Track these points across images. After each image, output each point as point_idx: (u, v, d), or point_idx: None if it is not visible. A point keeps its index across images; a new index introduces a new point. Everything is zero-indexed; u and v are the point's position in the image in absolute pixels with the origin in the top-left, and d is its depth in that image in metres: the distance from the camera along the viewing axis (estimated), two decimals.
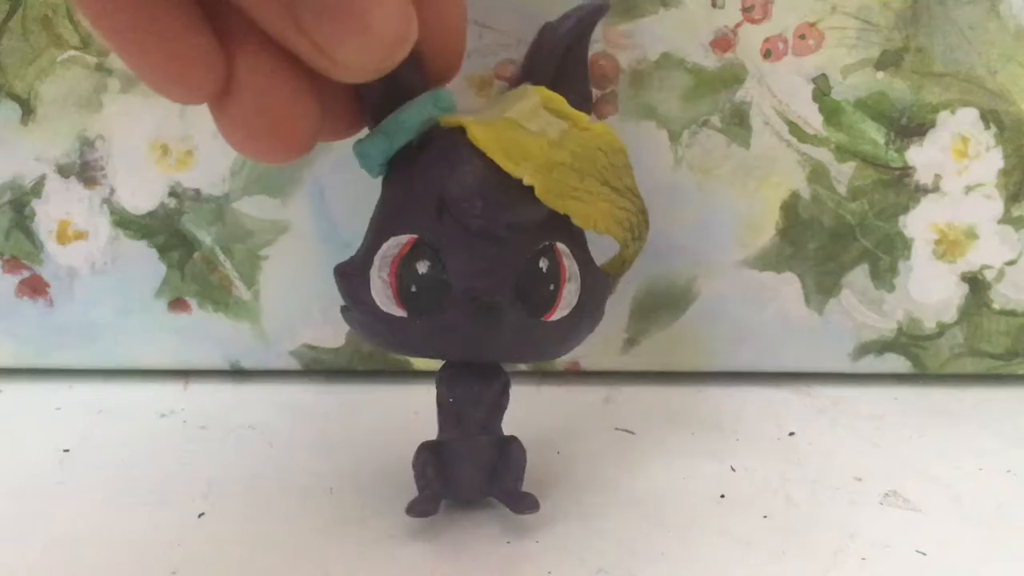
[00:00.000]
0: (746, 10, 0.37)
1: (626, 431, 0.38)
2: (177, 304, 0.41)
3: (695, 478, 0.35)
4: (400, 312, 0.29)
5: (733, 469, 0.36)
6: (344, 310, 0.31)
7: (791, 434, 0.38)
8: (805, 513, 0.33)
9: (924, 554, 0.31)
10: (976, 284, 0.41)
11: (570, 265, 0.30)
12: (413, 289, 0.29)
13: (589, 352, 0.41)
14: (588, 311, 0.31)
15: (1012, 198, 0.39)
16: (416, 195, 0.29)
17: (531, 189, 0.28)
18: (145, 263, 0.40)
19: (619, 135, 0.37)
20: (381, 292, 0.29)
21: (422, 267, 0.28)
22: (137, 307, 0.41)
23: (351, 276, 0.30)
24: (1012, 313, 0.41)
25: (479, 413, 0.31)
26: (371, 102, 0.29)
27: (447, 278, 0.28)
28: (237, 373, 0.42)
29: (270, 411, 0.39)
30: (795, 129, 0.39)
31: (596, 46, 0.38)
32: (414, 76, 0.29)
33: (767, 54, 0.38)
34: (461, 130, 0.29)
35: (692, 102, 0.38)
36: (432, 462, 0.31)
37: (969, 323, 0.41)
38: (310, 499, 0.33)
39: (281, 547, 0.31)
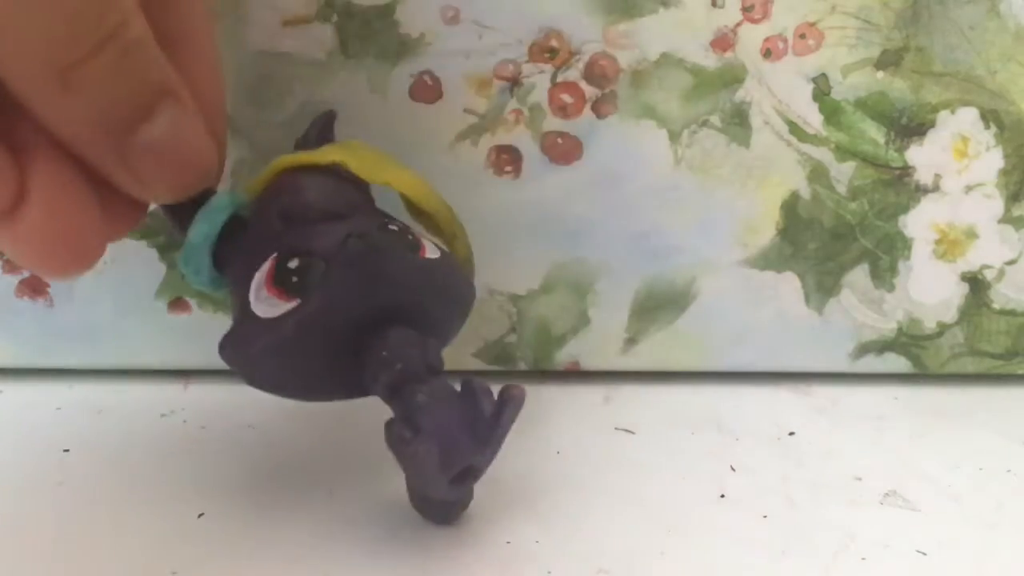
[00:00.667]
0: (746, 10, 0.37)
1: (626, 431, 0.38)
2: (177, 304, 0.41)
3: (695, 478, 0.35)
4: (292, 303, 0.29)
5: (733, 469, 0.36)
6: (248, 373, 0.31)
7: (791, 434, 0.38)
8: (805, 513, 0.33)
9: (924, 554, 0.31)
10: (976, 284, 0.41)
11: (421, 239, 0.31)
12: (294, 280, 0.29)
13: (589, 351, 0.41)
14: (455, 266, 0.32)
15: (1012, 198, 0.39)
16: (255, 239, 0.30)
17: (346, 176, 0.31)
18: (145, 263, 0.40)
19: (619, 135, 0.38)
20: (269, 307, 0.29)
21: (292, 262, 0.29)
22: (137, 307, 0.41)
23: (233, 338, 0.30)
24: (1012, 313, 0.41)
25: (415, 354, 0.30)
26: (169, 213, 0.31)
27: (316, 255, 0.29)
28: (237, 373, 0.42)
29: (270, 411, 0.39)
30: (795, 129, 0.39)
31: (596, 45, 0.38)
32: None
33: (767, 54, 0.38)
34: (269, 177, 0.32)
35: (692, 102, 0.38)
36: (407, 436, 0.30)
37: (969, 323, 0.41)
38: (310, 499, 0.33)
39: (281, 547, 0.31)
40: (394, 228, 0.30)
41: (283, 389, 0.31)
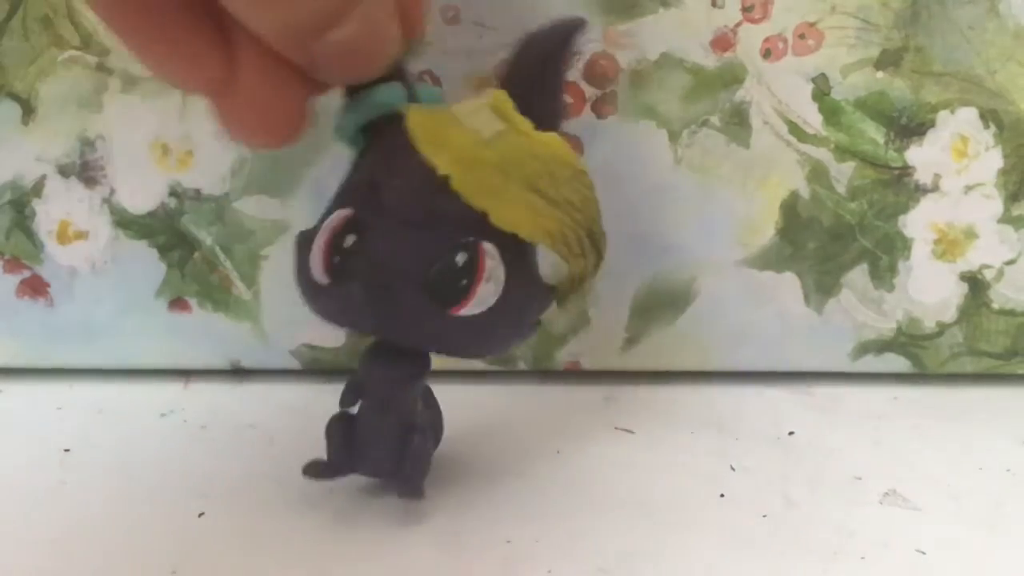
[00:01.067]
0: (746, 10, 0.37)
1: (626, 431, 0.38)
2: (177, 304, 0.41)
3: (695, 478, 0.35)
4: (324, 280, 0.29)
5: (733, 468, 0.36)
6: (295, 275, 0.31)
7: (791, 433, 0.38)
8: (805, 512, 0.33)
9: (923, 553, 0.31)
10: (975, 284, 0.41)
11: (493, 267, 0.29)
12: (336, 260, 0.29)
13: (589, 351, 0.42)
14: (507, 317, 0.30)
15: (1011, 197, 0.39)
16: (361, 174, 0.30)
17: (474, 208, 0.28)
18: (145, 263, 0.40)
19: (619, 135, 0.38)
20: (315, 258, 0.29)
21: (348, 240, 0.29)
22: (137, 307, 0.41)
23: (302, 244, 0.31)
24: (1011, 312, 0.41)
25: (380, 391, 0.31)
26: None
27: (366, 253, 0.29)
28: (237, 372, 0.42)
29: (270, 411, 0.39)
30: (795, 129, 0.39)
31: (596, 45, 0.38)
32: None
33: (767, 54, 0.38)
34: (424, 124, 0.29)
35: (692, 102, 0.38)
36: (340, 432, 0.32)
37: (968, 322, 0.41)
38: (310, 499, 0.33)
39: (281, 547, 0.31)
40: (458, 261, 0.29)
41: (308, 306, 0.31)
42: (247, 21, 0.25)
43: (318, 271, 0.29)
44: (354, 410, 0.33)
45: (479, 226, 0.29)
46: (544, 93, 0.32)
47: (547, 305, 0.32)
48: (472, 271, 0.29)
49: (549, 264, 0.31)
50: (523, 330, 0.32)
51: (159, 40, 0.27)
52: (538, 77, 0.32)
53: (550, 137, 0.30)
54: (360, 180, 0.30)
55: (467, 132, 0.29)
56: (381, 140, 0.30)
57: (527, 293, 0.31)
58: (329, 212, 0.30)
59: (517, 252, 0.30)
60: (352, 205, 0.30)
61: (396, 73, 0.29)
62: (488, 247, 0.29)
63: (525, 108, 0.30)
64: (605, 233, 0.32)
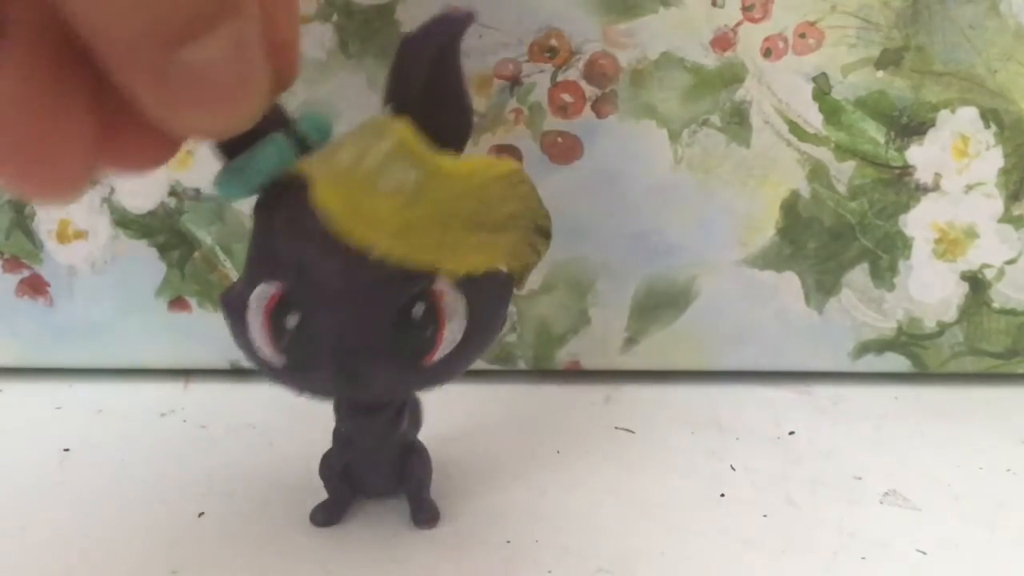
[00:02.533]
0: (746, 9, 0.37)
1: (626, 430, 0.38)
2: (177, 303, 0.41)
3: (695, 477, 0.35)
4: (278, 360, 0.28)
5: (733, 468, 0.36)
6: (231, 331, 0.30)
7: (791, 433, 0.38)
8: (805, 512, 0.33)
9: (924, 553, 0.31)
10: (976, 283, 0.41)
11: (452, 302, 0.28)
12: (285, 342, 0.27)
13: (589, 351, 0.41)
14: (479, 335, 0.29)
15: (1012, 197, 0.39)
16: (277, 247, 0.27)
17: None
18: (145, 262, 0.40)
19: (619, 134, 0.38)
20: (259, 339, 0.28)
21: (291, 321, 0.27)
22: (137, 306, 0.41)
23: (231, 312, 0.29)
24: (1012, 312, 0.41)
25: (369, 441, 0.31)
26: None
27: (314, 333, 0.27)
28: (237, 372, 0.42)
29: (270, 410, 0.39)
30: (795, 128, 0.39)
31: (595, 45, 0.38)
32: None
33: (767, 53, 0.38)
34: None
35: (692, 101, 0.38)
36: (336, 471, 0.32)
37: (969, 322, 0.41)
38: (310, 499, 0.33)
39: (281, 547, 0.31)
40: (416, 316, 0.27)
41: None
42: (85, 16, 0.19)
43: (268, 352, 0.28)
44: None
45: (419, 273, 0.27)
46: (443, 96, 0.28)
47: (510, 296, 0.30)
48: (433, 317, 0.28)
49: None
50: (493, 335, 0.31)
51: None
52: (430, 80, 0.27)
53: (470, 166, 0.27)
54: (279, 253, 0.27)
55: (387, 197, 0.25)
56: (286, 205, 0.27)
57: (491, 304, 0.29)
58: (252, 279, 0.28)
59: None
60: (280, 279, 0.27)
61: (274, 117, 0.27)
62: (441, 286, 0.28)
63: (423, 122, 0.26)
64: (548, 213, 0.30)
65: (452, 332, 0.28)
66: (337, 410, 0.31)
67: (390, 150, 0.26)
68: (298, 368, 0.28)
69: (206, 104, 0.21)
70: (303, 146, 0.27)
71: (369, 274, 0.26)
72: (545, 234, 0.30)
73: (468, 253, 0.27)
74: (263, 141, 0.26)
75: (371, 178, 0.25)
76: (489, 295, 0.29)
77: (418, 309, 0.27)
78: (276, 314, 0.27)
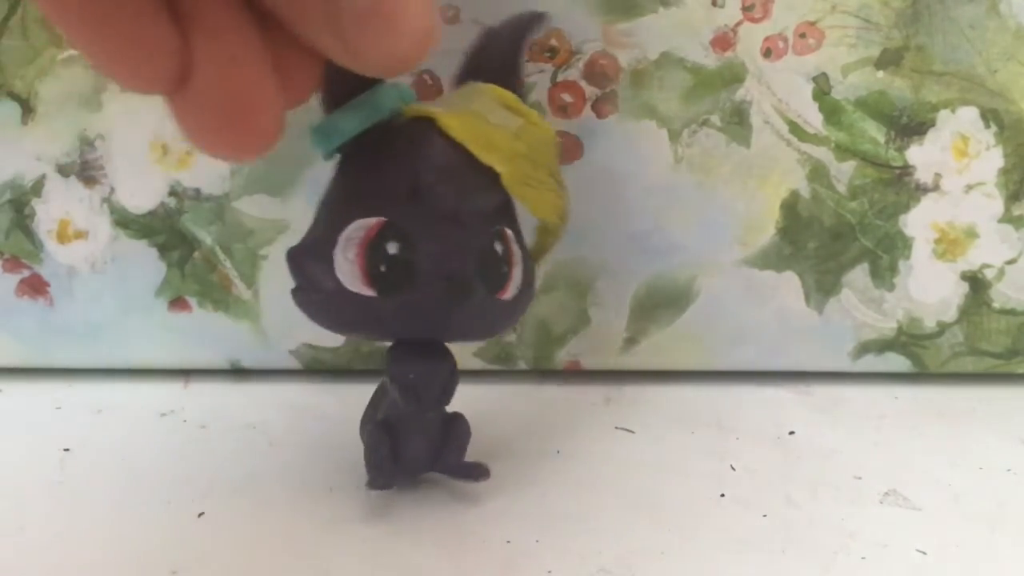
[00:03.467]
0: (746, 9, 0.37)
1: (626, 430, 0.38)
2: (177, 303, 0.41)
3: (695, 477, 0.35)
4: (369, 291, 0.29)
5: (733, 468, 0.36)
6: (297, 292, 0.31)
7: (791, 433, 0.38)
8: (805, 512, 0.33)
9: (924, 553, 0.31)
10: (976, 283, 0.41)
11: (517, 250, 0.31)
12: (382, 269, 0.29)
13: (589, 351, 0.42)
14: (527, 292, 0.32)
15: (1012, 197, 0.39)
16: (384, 179, 0.30)
17: (490, 177, 0.30)
18: (145, 262, 0.40)
19: (619, 134, 0.38)
20: (348, 272, 0.29)
21: (392, 248, 0.29)
22: (137, 306, 0.41)
23: (308, 258, 0.30)
24: (1012, 312, 0.41)
25: (435, 390, 0.32)
26: (333, 82, 0.30)
27: (415, 259, 0.29)
28: (237, 372, 0.42)
29: (270, 410, 0.39)
30: (795, 128, 0.39)
31: (596, 45, 0.38)
32: None
33: (767, 53, 0.38)
34: (429, 120, 0.30)
35: (692, 101, 0.38)
36: (385, 440, 0.32)
37: (969, 322, 0.41)
38: (310, 499, 0.33)
39: (281, 547, 0.31)
40: (498, 250, 0.31)
41: (318, 321, 0.32)
42: None
43: (357, 284, 0.29)
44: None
45: (499, 214, 0.31)
46: (510, 83, 0.32)
47: (536, 270, 0.33)
48: (507, 256, 0.31)
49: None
50: (529, 301, 0.33)
51: (103, 28, 0.23)
52: (501, 70, 0.33)
53: (545, 123, 0.32)
54: (386, 187, 0.30)
55: (501, 130, 0.30)
56: (400, 142, 0.30)
57: (531, 268, 0.32)
58: (338, 222, 0.30)
59: (518, 231, 0.32)
60: (382, 213, 0.29)
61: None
62: (509, 232, 0.31)
63: None
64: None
65: (517, 276, 0.31)
66: (399, 361, 0.32)
67: (493, 100, 0.31)
68: (395, 291, 0.29)
69: (383, 41, 0.23)
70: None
71: (477, 201, 0.30)
72: (568, 209, 0.33)
73: (546, 196, 0.31)
74: (381, 86, 0.30)
75: (485, 115, 0.31)
76: (529, 259, 0.32)
77: (499, 246, 0.31)
78: (373, 244, 0.29)
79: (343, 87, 0.30)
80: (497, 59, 0.33)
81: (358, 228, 0.29)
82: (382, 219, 0.29)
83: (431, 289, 0.29)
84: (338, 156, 0.31)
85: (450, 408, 0.33)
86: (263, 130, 0.25)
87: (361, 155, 0.31)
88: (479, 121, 0.30)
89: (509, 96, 0.31)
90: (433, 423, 0.32)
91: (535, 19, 0.34)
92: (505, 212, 0.31)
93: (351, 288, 0.29)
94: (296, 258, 0.31)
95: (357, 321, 0.31)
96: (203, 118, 0.24)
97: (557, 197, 0.32)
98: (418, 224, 0.29)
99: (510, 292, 0.31)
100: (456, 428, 0.33)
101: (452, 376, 0.32)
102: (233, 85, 0.24)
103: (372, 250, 0.29)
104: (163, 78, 0.23)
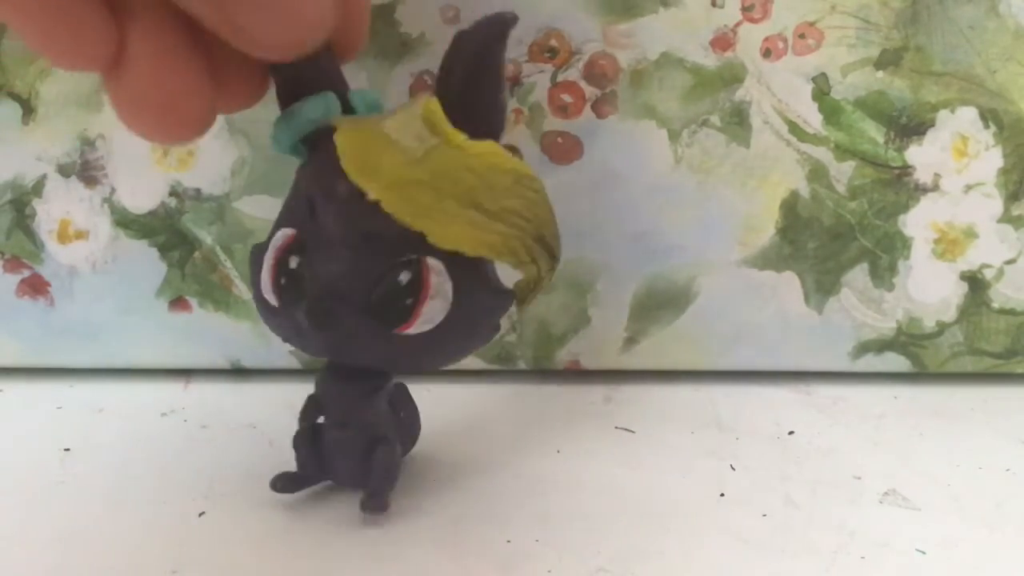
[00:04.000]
0: (746, 9, 0.37)
1: (626, 430, 0.38)
2: (178, 303, 0.41)
3: (695, 477, 0.35)
4: (274, 301, 0.30)
5: (733, 468, 0.36)
6: (252, 289, 0.32)
7: (791, 433, 0.38)
8: (805, 512, 0.33)
9: (924, 553, 0.31)
10: (976, 283, 0.41)
11: (439, 283, 0.29)
12: (283, 281, 0.30)
13: (589, 351, 0.42)
14: (458, 330, 0.30)
15: (1012, 197, 0.40)
16: (299, 191, 0.30)
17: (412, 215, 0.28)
18: (146, 262, 0.40)
19: (619, 135, 0.38)
20: (264, 279, 0.30)
21: (292, 262, 0.29)
22: (138, 306, 0.41)
23: (252, 259, 0.31)
24: (1012, 312, 0.41)
25: (338, 409, 0.32)
26: (284, 81, 0.30)
27: (307, 276, 0.29)
28: (238, 372, 0.42)
29: (271, 410, 0.39)
30: (795, 128, 0.39)
31: (595, 45, 0.38)
32: (331, 62, 0.30)
33: (767, 53, 0.38)
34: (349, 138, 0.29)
35: (692, 101, 0.38)
36: (306, 443, 0.33)
37: (969, 322, 0.41)
38: (310, 499, 0.33)
39: (281, 547, 0.31)
40: (401, 280, 0.29)
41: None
42: None
43: (268, 292, 0.30)
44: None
45: (423, 243, 0.28)
46: (482, 89, 0.30)
47: (505, 310, 0.32)
48: (416, 289, 0.29)
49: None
50: (478, 339, 0.32)
51: (38, 8, 0.24)
52: (472, 74, 0.30)
53: (485, 147, 0.29)
54: (296, 197, 0.30)
55: (397, 152, 0.28)
56: (315, 156, 0.30)
57: (479, 303, 0.30)
58: (276, 228, 0.30)
59: (467, 264, 0.29)
60: (294, 225, 0.30)
61: (330, 80, 0.30)
62: (433, 263, 0.29)
63: (462, 113, 0.29)
64: (558, 234, 0.32)
65: (431, 311, 0.29)
66: (318, 374, 0.32)
67: (413, 114, 0.29)
68: (286, 306, 0.30)
69: (273, 27, 0.25)
70: (349, 110, 0.30)
71: (368, 225, 0.28)
72: (547, 247, 0.31)
73: (458, 227, 0.28)
74: (315, 97, 0.29)
75: (390, 130, 0.28)
76: (481, 296, 0.30)
77: (405, 275, 0.29)
78: (283, 256, 0.30)
79: (285, 91, 0.30)
80: (469, 62, 0.30)
81: (280, 237, 0.30)
82: (293, 231, 0.30)
83: (303, 310, 0.28)
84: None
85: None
86: (190, 118, 0.26)
87: (303, 162, 0.31)
88: (375, 141, 0.28)
89: (434, 112, 0.29)
90: (352, 441, 0.32)
91: (506, 21, 0.30)
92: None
93: (264, 294, 0.30)
94: (251, 257, 0.31)
95: (275, 329, 0.31)
96: (135, 101, 0.26)
97: (479, 231, 0.29)
98: (314, 242, 0.29)
99: (414, 327, 0.29)
100: (377, 451, 0.32)
101: (369, 397, 0.32)
102: (164, 73, 0.25)
103: (281, 261, 0.30)
104: (98, 56, 0.25)
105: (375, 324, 0.29)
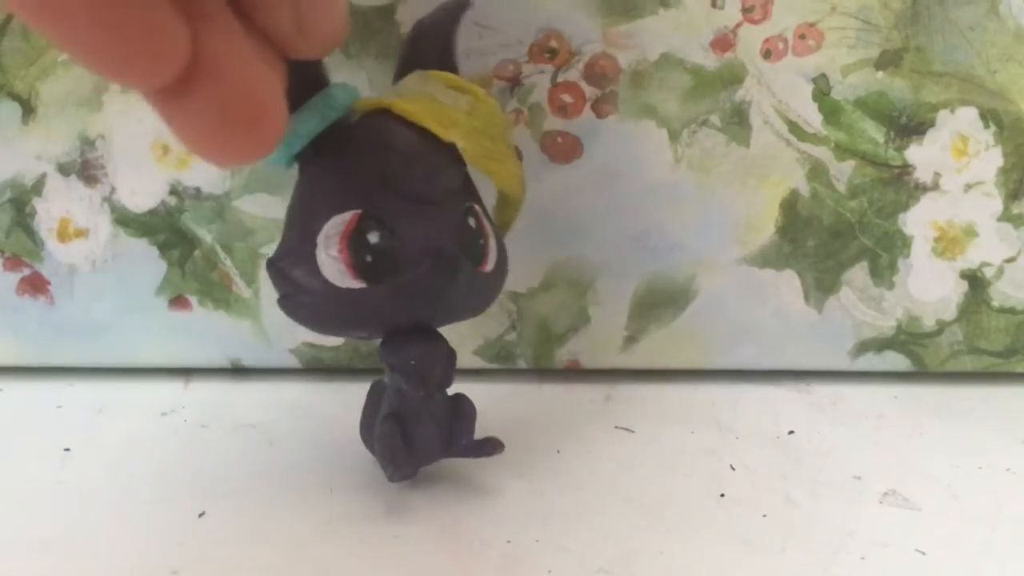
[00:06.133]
0: (746, 10, 0.37)
1: (626, 429, 0.38)
2: (178, 302, 0.41)
3: (695, 477, 0.35)
4: (358, 283, 0.30)
5: (733, 468, 0.36)
6: (284, 300, 0.31)
7: (791, 432, 0.38)
8: (805, 512, 0.33)
9: (923, 553, 0.31)
10: (975, 282, 0.41)
11: (487, 223, 0.32)
12: (368, 259, 0.30)
13: (589, 350, 0.42)
14: (503, 265, 0.33)
15: (1011, 196, 0.40)
16: (352, 173, 0.31)
17: (451, 155, 0.31)
18: (146, 261, 0.40)
19: (619, 135, 0.38)
20: (334, 269, 0.30)
21: (373, 237, 0.30)
22: (138, 305, 0.41)
23: (290, 264, 0.31)
24: (1011, 311, 0.41)
25: (437, 371, 0.32)
26: (298, 81, 0.29)
27: (397, 244, 0.30)
28: (238, 371, 0.42)
29: (271, 409, 0.40)
30: (795, 128, 0.39)
31: (595, 46, 0.38)
32: (318, 64, 0.31)
33: (767, 54, 0.38)
34: (384, 110, 0.31)
35: (692, 102, 0.38)
36: (397, 431, 0.32)
37: (968, 321, 0.41)
38: (310, 498, 0.33)
39: (281, 547, 0.31)
40: (472, 224, 0.31)
41: (311, 326, 0.32)
42: None
43: (345, 279, 0.30)
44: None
45: (467, 191, 0.32)
46: (448, 67, 0.33)
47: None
48: (481, 230, 0.32)
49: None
50: (506, 276, 0.33)
51: (101, 20, 0.20)
52: (437, 60, 0.33)
53: (493, 97, 0.33)
54: (346, 180, 0.31)
55: (454, 110, 0.31)
56: (359, 136, 0.31)
57: (500, 241, 0.33)
58: (313, 223, 0.30)
59: (484, 207, 0.33)
60: (356, 206, 0.30)
61: (325, 75, 0.31)
62: (478, 208, 0.32)
63: None
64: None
65: (492, 249, 0.32)
66: (397, 350, 0.32)
67: (439, 83, 0.32)
68: (384, 278, 0.30)
69: (326, 20, 0.26)
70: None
71: (447, 180, 0.31)
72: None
73: (507, 167, 0.32)
74: (332, 87, 0.31)
75: (437, 97, 0.31)
76: (499, 236, 0.33)
77: (472, 220, 0.31)
78: (354, 237, 0.30)
79: (295, 92, 0.29)
80: (431, 49, 0.33)
81: (336, 224, 0.30)
82: (358, 211, 0.30)
83: (419, 270, 0.29)
84: (296, 165, 0.32)
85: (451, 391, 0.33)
86: (272, 130, 0.24)
87: (322, 157, 0.31)
88: (432, 103, 0.31)
89: (453, 77, 0.32)
90: (440, 406, 0.33)
91: (459, 6, 0.34)
92: (470, 188, 0.32)
93: (340, 284, 0.30)
94: (278, 265, 0.31)
95: (351, 317, 0.31)
96: (211, 118, 0.23)
97: (516, 167, 0.33)
98: (393, 210, 0.30)
99: (489, 264, 0.32)
100: (461, 407, 0.33)
101: (451, 356, 0.32)
102: (245, 83, 0.23)
103: (354, 242, 0.30)
104: (163, 69, 0.22)
105: (472, 266, 0.31)
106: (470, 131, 0.31)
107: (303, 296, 0.31)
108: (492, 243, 0.32)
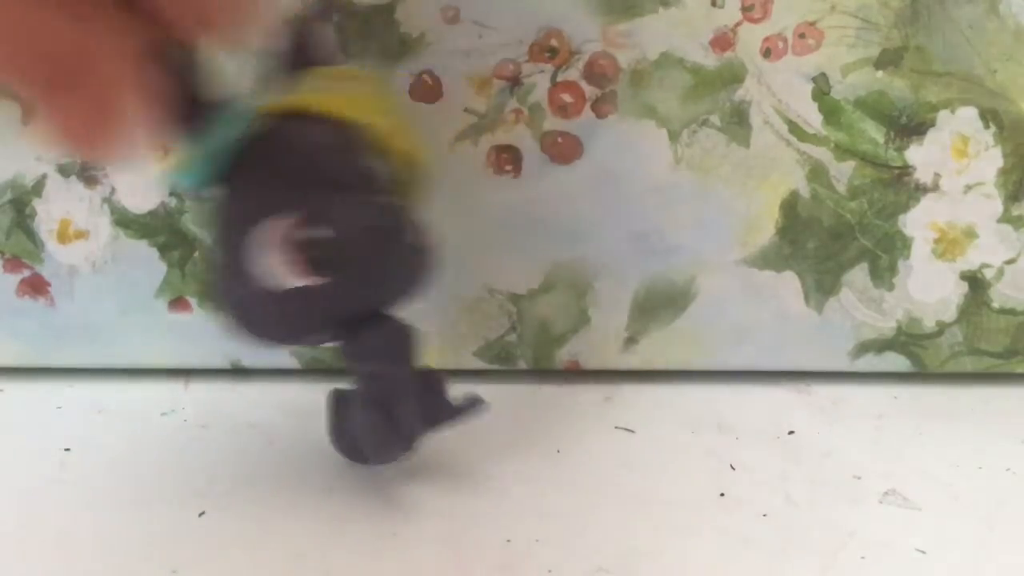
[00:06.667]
0: (746, 9, 0.37)
1: (626, 430, 0.38)
2: (178, 303, 0.41)
3: (695, 476, 0.35)
4: (309, 280, 0.29)
5: (733, 468, 0.36)
6: (240, 322, 0.31)
7: (791, 433, 0.38)
8: (805, 512, 0.33)
9: (923, 552, 0.31)
10: (975, 283, 0.41)
11: (403, 197, 0.32)
12: (316, 254, 0.29)
13: (589, 351, 0.42)
14: (427, 233, 0.32)
15: (1011, 197, 0.39)
16: (276, 177, 0.30)
17: (363, 138, 0.31)
18: (146, 262, 0.40)
19: (619, 134, 0.38)
20: (281, 272, 0.29)
21: (313, 231, 0.29)
22: (138, 306, 0.41)
23: (232, 291, 0.30)
24: (1011, 312, 0.41)
25: (408, 346, 0.32)
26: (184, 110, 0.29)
27: (339, 232, 0.29)
28: (238, 372, 0.42)
29: (271, 410, 0.39)
30: (794, 128, 0.39)
31: (595, 45, 0.38)
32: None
33: (767, 53, 0.38)
34: (293, 112, 0.31)
35: (692, 101, 0.38)
36: (382, 416, 0.32)
37: (968, 322, 0.41)
38: (310, 499, 0.33)
39: (281, 547, 0.31)
40: (395, 200, 0.31)
41: (270, 337, 0.31)
42: None
43: (295, 278, 0.29)
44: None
45: (382, 169, 0.32)
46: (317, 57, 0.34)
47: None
48: (403, 204, 0.32)
49: None
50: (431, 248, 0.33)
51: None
52: (318, 59, 0.34)
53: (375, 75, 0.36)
54: (275, 185, 0.30)
55: (360, 96, 0.33)
56: (273, 144, 0.30)
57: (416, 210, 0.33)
58: (241, 242, 0.29)
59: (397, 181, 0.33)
60: (289, 207, 0.29)
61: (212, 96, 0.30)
62: (395, 182, 0.32)
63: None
64: None
65: (415, 219, 0.32)
66: (363, 338, 0.31)
67: (335, 77, 0.33)
68: (334, 266, 0.29)
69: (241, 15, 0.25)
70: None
71: (364, 165, 0.31)
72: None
73: (411, 135, 0.33)
74: (229, 103, 0.30)
75: (338, 88, 0.32)
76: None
77: (394, 195, 0.32)
78: (297, 237, 0.29)
79: (191, 113, 0.29)
80: (309, 50, 0.34)
81: (273, 230, 0.29)
82: (296, 210, 0.29)
83: (364, 251, 0.30)
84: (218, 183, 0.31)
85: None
86: (127, 138, 0.24)
87: (236, 173, 0.30)
88: (340, 95, 0.32)
89: (344, 71, 0.34)
90: (414, 381, 0.32)
91: (323, 9, 0.36)
92: (383, 167, 0.32)
93: (291, 286, 0.29)
94: (225, 299, 0.31)
95: (308, 316, 0.30)
96: (88, 115, 0.23)
97: (413, 133, 0.34)
98: (327, 201, 0.30)
99: (420, 234, 0.31)
100: (431, 378, 0.33)
101: (412, 328, 0.32)
102: (110, 88, 0.23)
103: (297, 242, 0.29)
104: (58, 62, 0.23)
105: (408, 239, 0.31)
106: (378, 111, 0.32)
107: (256, 310, 0.30)
108: (413, 214, 0.32)
